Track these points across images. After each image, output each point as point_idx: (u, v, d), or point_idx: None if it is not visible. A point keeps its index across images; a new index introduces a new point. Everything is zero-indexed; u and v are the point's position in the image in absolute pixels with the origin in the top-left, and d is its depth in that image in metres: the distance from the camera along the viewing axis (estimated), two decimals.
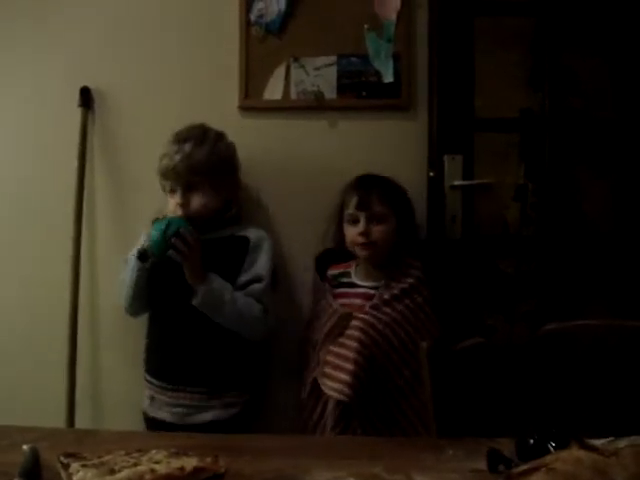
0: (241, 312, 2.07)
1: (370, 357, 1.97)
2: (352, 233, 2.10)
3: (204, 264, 2.07)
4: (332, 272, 2.19)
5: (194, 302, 2.03)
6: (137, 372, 2.25)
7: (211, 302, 2.03)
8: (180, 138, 2.14)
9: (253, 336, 2.13)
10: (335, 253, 2.19)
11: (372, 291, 2.08)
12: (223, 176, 2.17)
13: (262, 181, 2.39)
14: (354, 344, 1.97)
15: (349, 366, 1.96)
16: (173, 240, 2.01)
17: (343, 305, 2.08)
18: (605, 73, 2.30)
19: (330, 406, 2.00)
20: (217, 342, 2.11)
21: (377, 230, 2.07)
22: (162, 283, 2.15)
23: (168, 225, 2.03)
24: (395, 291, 2.04)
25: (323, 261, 2.23)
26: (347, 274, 2.15)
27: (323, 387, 2.01)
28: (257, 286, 2.11)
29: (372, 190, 2.10)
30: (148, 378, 2.20)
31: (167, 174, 2.13)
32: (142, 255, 2.06)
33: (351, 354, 1.97)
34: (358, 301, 2.09)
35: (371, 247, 2.08)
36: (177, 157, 2.09)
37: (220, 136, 2.19)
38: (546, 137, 2.29)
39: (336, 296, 2.12)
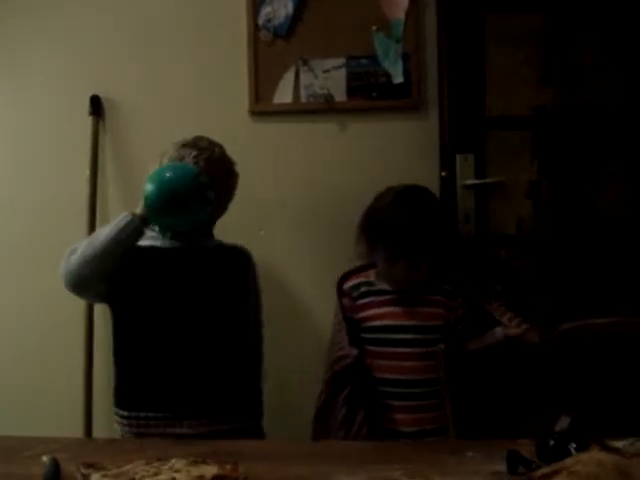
0: None
1: None
2: (391, 273, 1.93)
3: (204, 272, 1.91)
4: (350, 284, 2.02)
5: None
6: None
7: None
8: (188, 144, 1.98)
9: None
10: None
11: (413, 296, 1.96)
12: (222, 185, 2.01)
13: (274, 185, 2.40)
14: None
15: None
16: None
17: (374, 316, 1.97)
18: (616, 68, 2.29)
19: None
20: (216, 359, 1.89)
21: (418, 275, 1.91)
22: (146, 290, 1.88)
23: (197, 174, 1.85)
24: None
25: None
26: (369, 283, 2.00)
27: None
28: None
29: (411, 233, 1.86)
30: (131, 415, 1.86)
31: None
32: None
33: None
34: (390, 309, 1.96)
35: (410, 287, 1.95)
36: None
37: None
38: (559, 134, 2.28)
39: (361, 307, 1.99)
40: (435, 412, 1.85)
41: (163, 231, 1.92)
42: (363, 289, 2.00)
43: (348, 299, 2.00)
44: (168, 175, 1.85)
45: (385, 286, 1.97)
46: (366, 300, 1.99)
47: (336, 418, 1.86)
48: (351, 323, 1.97)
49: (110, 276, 1.85)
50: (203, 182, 1.85)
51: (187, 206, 1.83)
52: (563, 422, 1.68)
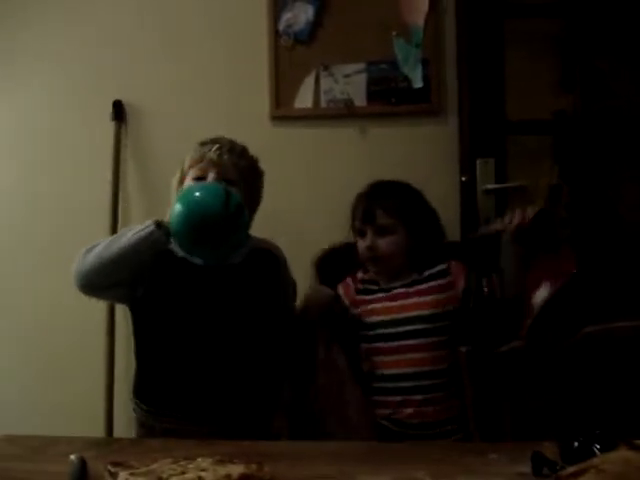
0: None
1: None
2: (360, 246, 1.99)
3: (231, 291, 1.81)
4: (362, 277, 2.06)
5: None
6: None
7: None
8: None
9: None
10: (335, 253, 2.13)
11: (405, 289, 1.98)
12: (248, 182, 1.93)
13: (294, 189, 2.41)
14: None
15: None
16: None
17: (373, 311, 1.98)
18: (635, 74, 2.28)
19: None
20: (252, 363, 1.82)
21: (383, 243, 1.95)
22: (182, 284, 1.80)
23: (229, 194, 1.63)
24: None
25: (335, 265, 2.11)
26: (368, 281, 2.04)
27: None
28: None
29: (377, 201, 1.98)
30: (150, 409, 1.81)
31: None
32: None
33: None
34: (388, 303, 1.99)
35: (379, 262, 1.98)
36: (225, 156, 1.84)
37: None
38: (579, 139, 2.28)
39: (360, 302, 2.00)
40: (440, 405, 1.83)
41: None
42: (363, 285, 2.04)
43: (350, 290, 2.04)
44: (197, 195, 1.67)
45: (382, 284, 2.00)
46: (365, 297, 2.01)
47: (314, 361, 1.85)
48: (351, 319, 1.99)
49: (125, 283, 1.77)
50: (238, 202, 1.66)
51: (219, 237, 1.65)
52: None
